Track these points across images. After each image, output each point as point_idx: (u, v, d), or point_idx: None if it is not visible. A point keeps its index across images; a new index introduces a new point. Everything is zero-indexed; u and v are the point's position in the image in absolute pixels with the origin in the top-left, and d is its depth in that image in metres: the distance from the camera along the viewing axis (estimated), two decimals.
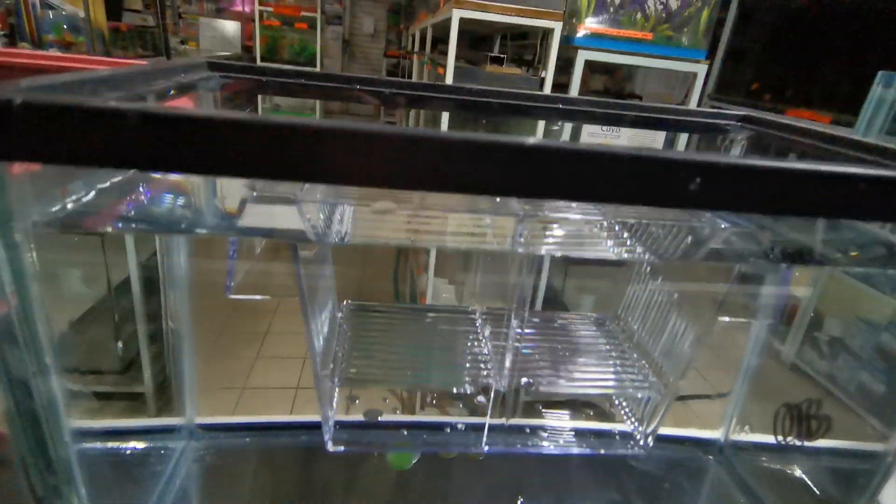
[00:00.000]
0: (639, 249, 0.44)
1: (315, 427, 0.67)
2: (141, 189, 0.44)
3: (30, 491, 0.41)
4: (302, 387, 2.06)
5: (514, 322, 0.51)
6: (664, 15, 2.38)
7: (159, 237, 0.63)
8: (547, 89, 1.96)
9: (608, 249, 0.43)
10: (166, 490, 0.59)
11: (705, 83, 2.77)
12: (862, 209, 0.35)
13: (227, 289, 0.44)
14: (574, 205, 0.52)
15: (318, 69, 3.59)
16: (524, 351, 0.58)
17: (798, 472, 0.67)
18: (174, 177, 0.49)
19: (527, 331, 0.62)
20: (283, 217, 0.42)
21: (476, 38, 3.05)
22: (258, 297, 0.46)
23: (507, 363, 0.52)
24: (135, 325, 1.61)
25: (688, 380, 0.53)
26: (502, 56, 2.07)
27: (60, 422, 0.39)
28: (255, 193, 0.44)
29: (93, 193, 0.40)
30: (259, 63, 3.54)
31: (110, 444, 0.59)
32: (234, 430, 0.68)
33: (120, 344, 1.62)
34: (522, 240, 0.42)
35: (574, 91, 2.00)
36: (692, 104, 2.18)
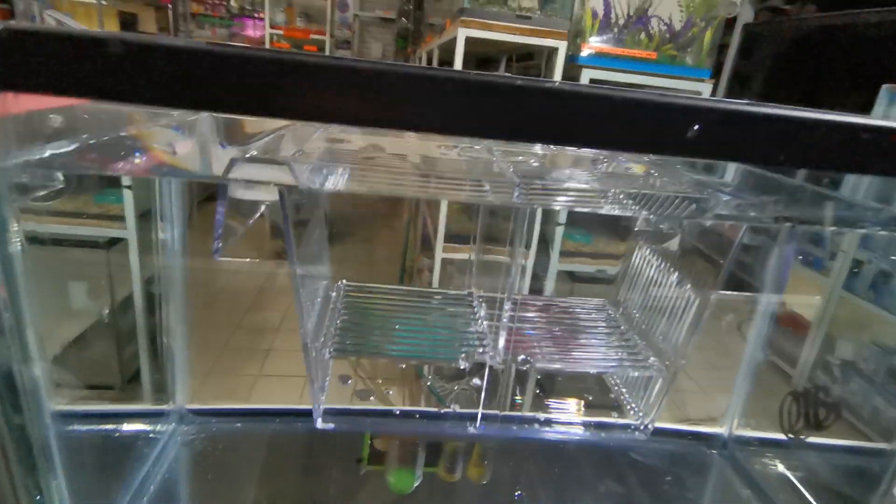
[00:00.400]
0: (643, 213, 0.43)
1: (306, 413, 0.65)
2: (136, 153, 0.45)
3: (6, 471, 0.40)
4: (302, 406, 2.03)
5: (511, 284, 0.50)
6: (668, 35, 2.41)
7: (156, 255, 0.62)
8: None
9: (611, 209, 0.42)
10: (151, 473, 0.57)
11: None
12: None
13: (214, 251, 0.43)
14: (575, 173, 0.52)
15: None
16: (526, 331, 0.56)
17: (808, 468, 0.64)
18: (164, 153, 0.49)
19: (525, 313, 0.60)
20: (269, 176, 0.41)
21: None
22: (245, 259, 0.45)
23: (502, 340, 0.51)
24: (136, 341, 1.59)
25: (691, 380, 0.51)
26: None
27: (41, 403, 0.38)
28: (244, 154, 0.43)
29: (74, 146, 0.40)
30: None
31: (92, 427, 0.58)
32: (225, 416, 0.66)
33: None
34: (520, 199, 0.41)
35: None
36: None
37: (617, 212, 0.44)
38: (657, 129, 0.33)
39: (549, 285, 1.70)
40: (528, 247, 0.45)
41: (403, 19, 4.15)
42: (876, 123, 0.33)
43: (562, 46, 2.06)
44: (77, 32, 0.27)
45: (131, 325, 1.54)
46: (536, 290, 1.60)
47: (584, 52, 2.25)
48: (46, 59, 0.27)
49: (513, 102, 0.30)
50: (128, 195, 1.46)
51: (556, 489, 0.62)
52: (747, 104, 0.31)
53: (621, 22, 2.43)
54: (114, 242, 1.52)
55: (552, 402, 0.63)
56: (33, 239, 0.37)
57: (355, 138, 0.55)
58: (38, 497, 0.41)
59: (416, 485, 0.61)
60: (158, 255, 0.59)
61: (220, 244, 0.43)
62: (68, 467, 0.42)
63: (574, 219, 1.66)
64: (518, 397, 0.70)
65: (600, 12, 2.31)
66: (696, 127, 0.32)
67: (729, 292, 0.49)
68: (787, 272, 0.47)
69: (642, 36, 2.48)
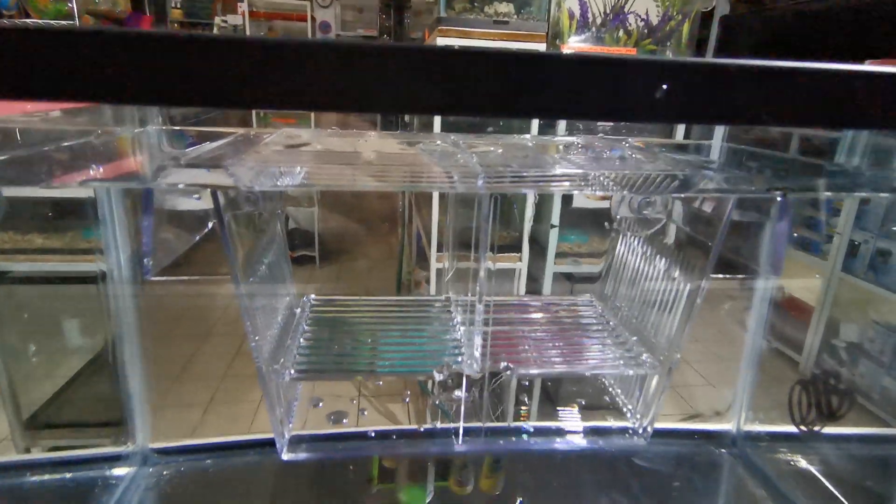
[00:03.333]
0: (625, 192, 0.39)
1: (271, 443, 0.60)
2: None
3: None
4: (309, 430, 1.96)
5: (482, 276, 0.45)
6: (645, 31, 2.41)
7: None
8: None
9: (589, 188, 0.38)
10: None
11: None
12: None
13: (144, 271, 0.39)
14: (547, 160, 0.48)
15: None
16: (502, 335, 0.52)
17: (824, 462, 0.59)
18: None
19: (505, 315, 0.56)
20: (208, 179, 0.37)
21: None
22: (178, 278, 0.41)
23: (478, 345, 0.46)
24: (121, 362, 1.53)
25: (696, 375, 0.47)
26: None
27: None
28: (181, 159, 0.39)
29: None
30: None
31: (40, 478, 0.53)
32: (193, 452, 0.61)
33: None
34: (485, 184, 0.37)
35: None
36: None
37: (597, 192, 0.40)
38: (625, 94, 0.29)
39: (547, 288, 1.67)
40: (493, 249, 0.41)
41: (385, 36, 4.16)
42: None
43: (541, 49, 2.05)
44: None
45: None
46: (533, 293, 1.56)
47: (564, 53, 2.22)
48: None
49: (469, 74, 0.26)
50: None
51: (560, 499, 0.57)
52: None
53: (598, 21, 2.43)
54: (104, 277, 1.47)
55: (540, 410, 0.59)
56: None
57: (310, 142, 0.51)
58: None
59: (427, 501, 0.58)
60: (99, 284, 0.55)
61: (150, 261, 0.39)
62: None
63: (569, 220, 1.63)
64: (524, 407, 0.66)
65: (577, 12, 2.31)
66: (664, 87, 0.29)
67: (722, 276, 0.45)
68: (782, 250, 0.43)
69: (620, 33, 2.47)
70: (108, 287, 0.57)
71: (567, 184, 0.40)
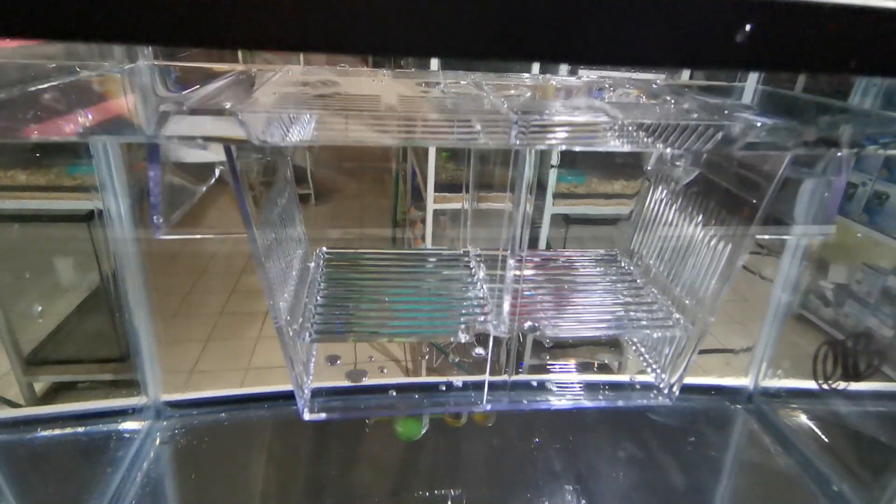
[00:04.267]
0: (659, 146, 0.36)
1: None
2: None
3: None
4: None
5: (513, 250, 0.43)
6: None
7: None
8: None
9: (620, 145, 0.35)
10: (128, 478, 0.51)
11: None
12: None
13: (154, 228, 0.36)
14: (581, 105, 0.44)
15: None
16: (526, 292, 0.50)
17: (840, 417, 0.59)
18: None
19: (528, 271, 0.54)
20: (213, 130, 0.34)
21: None
22: (192, 235, 0.38)
23: (506, 305, 0.44)
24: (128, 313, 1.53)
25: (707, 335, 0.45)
26: None
27: None
28: (181, 105, 0.35)
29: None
30: None
31: (53, 433, 0.52)
32: (206, 406, 0.60)
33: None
34: (519, 140, 0.34)
35: None
36: None
37: (634, 147, 0.37)
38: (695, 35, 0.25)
39: (545, 230, 1.64)
40: (532, 192, 0.38)
41: None
42: None
43: None
44: None
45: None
46: (533, 236, 1.54)
47: None
48: None
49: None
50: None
51: (570, 451, 0.58)
52: None
53: None
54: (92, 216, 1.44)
55: (560, 364, 0.58)
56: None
57: (318, 82, 0.46)
58: None
59: (423, 432, 0.60)
60: (104, 228, 0.52)
61: (160, 219, 0.36)
62: (13, 483, 0.36)
63: (567, 159, 1.58)
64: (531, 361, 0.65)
65: None
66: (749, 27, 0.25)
67: (768, 236, 0.43)
68: (835, 209, 0.40)
69: None
70: (106, 227, 0.54)
71: (605, 135, 0.37)
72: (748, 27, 0.25)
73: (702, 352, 0.47)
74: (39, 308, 1.36)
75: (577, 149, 0.35)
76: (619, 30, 0.23)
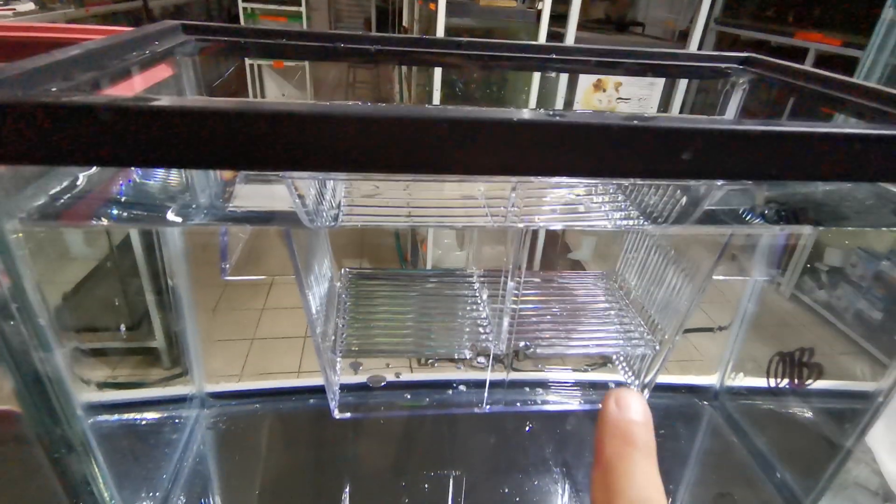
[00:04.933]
0: (634, 214, 0.43)
1: (322, 390, 0.69)
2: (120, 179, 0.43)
3: (51, 465, 0.43)
4: (309, 336, 2.11)
5: (511, 284, 0.51)
6: None
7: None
8: (544, 22, 1.86)
9: (604, 217, 0.43)
10: (183, 457, 0.62)
11: (711, 7, 2.64)
12: (858, 170, 0.34)
13: (222, 271, 0.44)
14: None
15: (303, 9, 3.42)
16: (522, 313, 0.58)
17: (790, 414, 0.69)
18: None
19: (524, 292, 0.62)
20: (273, 196, 0.41)
21: None
22: (254, 278, 0.46)
23: (505, 326, 0.53)
24: (139, 282, 1.63)
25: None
26: None
27: (70, 397, 0.40)
28: (242, 174, 0.43)
29: (78, 181, 0.39)
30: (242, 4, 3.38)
31: (124, 416, 0.61)
32: (243, 397, 0.70)
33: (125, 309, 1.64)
34: (515, 209, 0.41)
35: (573, 21, 1.90)
36: (697, 29, 2.07)
37: (608, 225, 0.44)
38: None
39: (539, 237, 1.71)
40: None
41: None
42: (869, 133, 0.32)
43: None
44: (65, 101, 0.25)
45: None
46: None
47: None
48: (37, 130, 0.26)
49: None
50: None
51: (547, 444, 0.67)
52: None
53: None
54: None
55: (550, 367, 0.67)
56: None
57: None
58: (87, 487, 0.45)
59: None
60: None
61: (226, 263, 0.43)
62: (106, 456, 0.45)
63: None
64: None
65: None
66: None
67: (723, 277, 0.51)
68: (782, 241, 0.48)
69: None
70: None
71: (593, 216, 0.44)
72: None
73: (686, 331, 0.55)
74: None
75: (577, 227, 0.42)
76: None
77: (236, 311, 2.30)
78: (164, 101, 0.25)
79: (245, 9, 3.35)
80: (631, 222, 0.43)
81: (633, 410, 0.23)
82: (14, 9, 2.12)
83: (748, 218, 0.44)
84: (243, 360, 2.01)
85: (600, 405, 0.23)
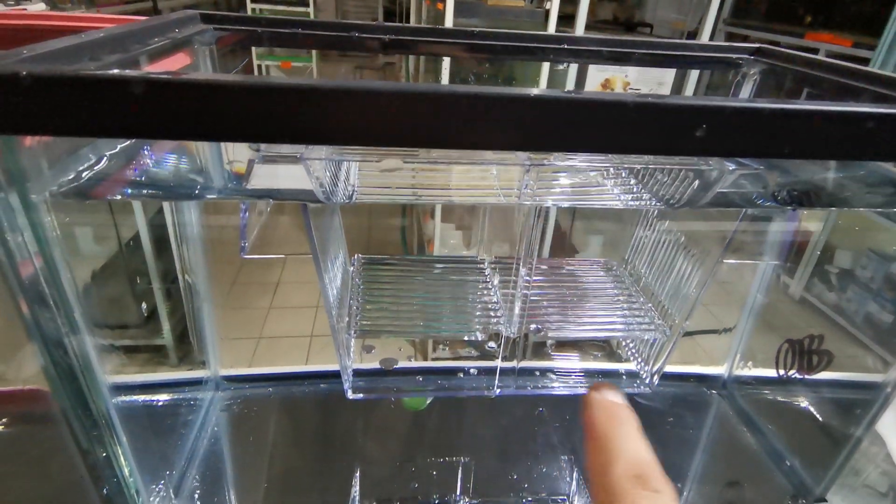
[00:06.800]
0: (645, 196, 0.44)
1: (333, 375, 0.71)
2: (145, 152, 0.45)
3: (75, 443, 0.44)
4: (315, 335, 2.12)
5: (523, 270, 0.52)
6: None
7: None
8: (552, 22, 1.87)
9: (615, 198, 0.44)
10: (199, 437, 0.63)
11: (720, 8, 2.64)
12: (870, 149, 0.34)
13: (241, 249, 0.45)
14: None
15: (310, 9, 3.45)
16: (532, 297, 0.59)
17: (798, 404, 0.69)
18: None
19: (535, 277, 0.63)
20: (289, 175, 0.42)
21: None
22: (272, 256, 0.47)
23: (517, 310, 0.53)
24: (149, 279, 1.65)
25: (694, 317, 0.54)
26: None
27: (97, 377, 0.41)
28: (260, 153, 0.44)
29: (103, 160, 0.40)
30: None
31: (144, 397, 0.63)
32: (257, 381, 0.71)
33: (144, 305, 1.67)
34: (529, 191, 0.42)
35: (581, 22, 1.91)
36: (706, 31, 2.07)
37: (619, 203, 0.44)
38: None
39: (550, 221, 1.72)
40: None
41: None
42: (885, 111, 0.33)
43: None
44: (102, 75, 0.26)
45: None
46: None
47: None
48: (72, 102, 0.27)
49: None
50: None
51: (559, 428, 0.68)
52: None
53: None
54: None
55: (559, 354, 0.68)
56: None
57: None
58: (109, 464, 0.46)
59: (428, 401, 0.69)
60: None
61: (245, 241, 0.45)
62: (128, 435, 0.46)
63: None
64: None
65: None
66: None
67: (733, 261, 0.51)
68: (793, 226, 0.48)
69: None
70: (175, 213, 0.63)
71: (604, 196, 0.45)
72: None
73: (687, 333, 0.56)
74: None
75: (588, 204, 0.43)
76: None
77: (245, 309, 2.32)
78: (195, 75, 0.26)
79: (253, 10, 3.40)
80: (643, 202, 0.43)
81: (615, 395, 0.29)
82: (25, 9, 2.16)
83: (759, 202, 0.44)
84: (251, 357, 2.03)
85: (583, 396, 0.27)
